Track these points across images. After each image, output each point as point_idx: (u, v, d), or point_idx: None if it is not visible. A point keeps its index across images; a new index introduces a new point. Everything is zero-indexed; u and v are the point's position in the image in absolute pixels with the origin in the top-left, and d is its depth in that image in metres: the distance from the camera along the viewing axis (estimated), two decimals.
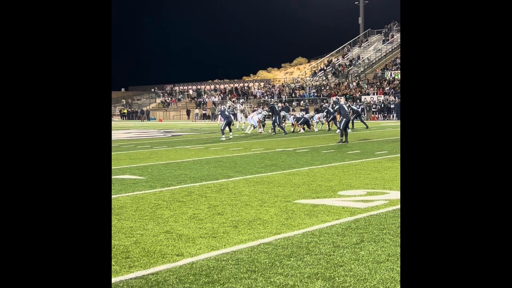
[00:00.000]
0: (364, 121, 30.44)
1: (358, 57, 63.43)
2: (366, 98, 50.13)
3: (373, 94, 50.73)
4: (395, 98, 47.99)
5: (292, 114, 30.92)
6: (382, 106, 47.68)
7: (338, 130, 25.97)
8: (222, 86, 70.85)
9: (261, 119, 27.38)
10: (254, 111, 31.79)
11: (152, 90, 76.32)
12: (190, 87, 74.42)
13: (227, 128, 22.85)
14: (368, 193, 8.27)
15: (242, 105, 34.98)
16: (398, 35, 63.38)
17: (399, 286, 4.03)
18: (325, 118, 28.76)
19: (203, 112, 59.35)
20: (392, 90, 50.31)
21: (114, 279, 4.35)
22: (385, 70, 56.90)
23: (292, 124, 28.14)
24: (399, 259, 4.71)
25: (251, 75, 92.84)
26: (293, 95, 55.70)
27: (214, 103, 60.83)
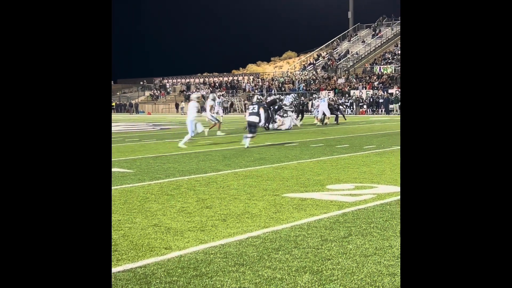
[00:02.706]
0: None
1: (347, 52, 63.51)
2: (355, 93, 50.22)
3: (362, 89, 50.82)
4: (383, 92, 48.11)
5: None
6: (371, 100, 47.79)
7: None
8: (211, 80, 70.70)
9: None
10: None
11: (141, 83, 76.03)
12: (179, 80, 74.18)
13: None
14: (356, 187, 8.30)
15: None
16: (387, 29, 63.54)
17: (386, 280, 4.06)
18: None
19: None
20: (381, 84, 50.44)
21: None
22: (374, 65, 57.03)
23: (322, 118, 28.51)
24: (386, 253, 4.74)
25: (241, 68, 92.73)
26: (282, 89, 55.70)
27: (203, 96, 60.66)
